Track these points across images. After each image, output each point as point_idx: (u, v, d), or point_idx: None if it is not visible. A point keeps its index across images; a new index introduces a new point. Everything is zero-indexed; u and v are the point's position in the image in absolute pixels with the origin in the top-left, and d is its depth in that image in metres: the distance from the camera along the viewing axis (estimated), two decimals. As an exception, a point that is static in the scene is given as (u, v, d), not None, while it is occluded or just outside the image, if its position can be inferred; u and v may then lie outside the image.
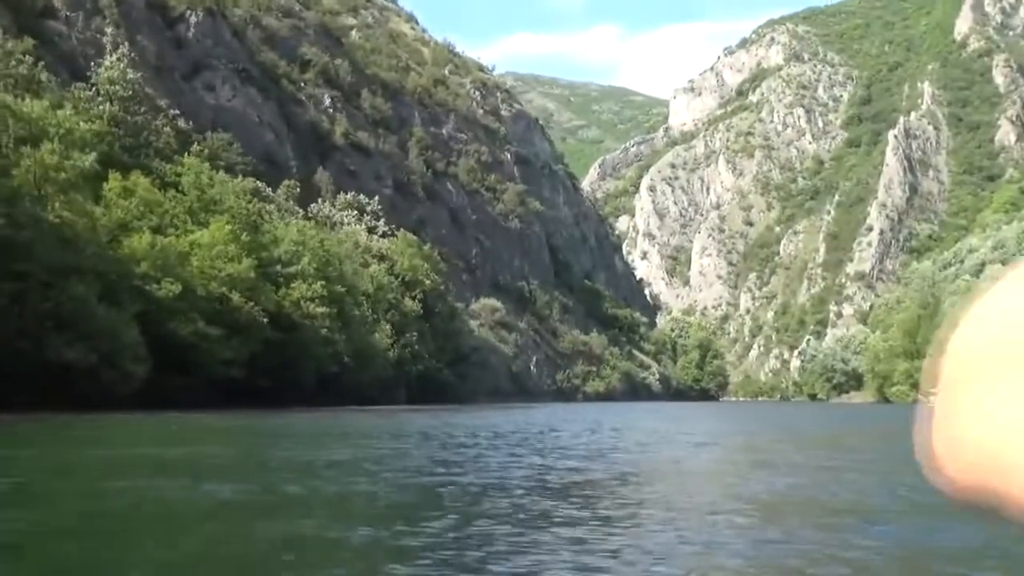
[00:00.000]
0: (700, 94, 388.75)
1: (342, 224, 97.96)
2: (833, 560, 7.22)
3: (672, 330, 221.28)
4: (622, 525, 8.91)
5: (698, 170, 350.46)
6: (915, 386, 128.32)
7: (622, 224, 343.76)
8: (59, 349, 39.81)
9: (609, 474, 14.67)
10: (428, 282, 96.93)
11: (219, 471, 15.15)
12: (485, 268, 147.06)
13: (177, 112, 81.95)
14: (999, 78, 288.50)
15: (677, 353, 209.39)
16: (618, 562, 6.92)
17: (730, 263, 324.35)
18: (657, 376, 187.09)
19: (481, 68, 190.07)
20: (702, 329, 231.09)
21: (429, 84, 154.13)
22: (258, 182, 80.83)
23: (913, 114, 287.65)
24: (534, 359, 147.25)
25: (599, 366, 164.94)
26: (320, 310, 64.18)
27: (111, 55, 72.87)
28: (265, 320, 56.78)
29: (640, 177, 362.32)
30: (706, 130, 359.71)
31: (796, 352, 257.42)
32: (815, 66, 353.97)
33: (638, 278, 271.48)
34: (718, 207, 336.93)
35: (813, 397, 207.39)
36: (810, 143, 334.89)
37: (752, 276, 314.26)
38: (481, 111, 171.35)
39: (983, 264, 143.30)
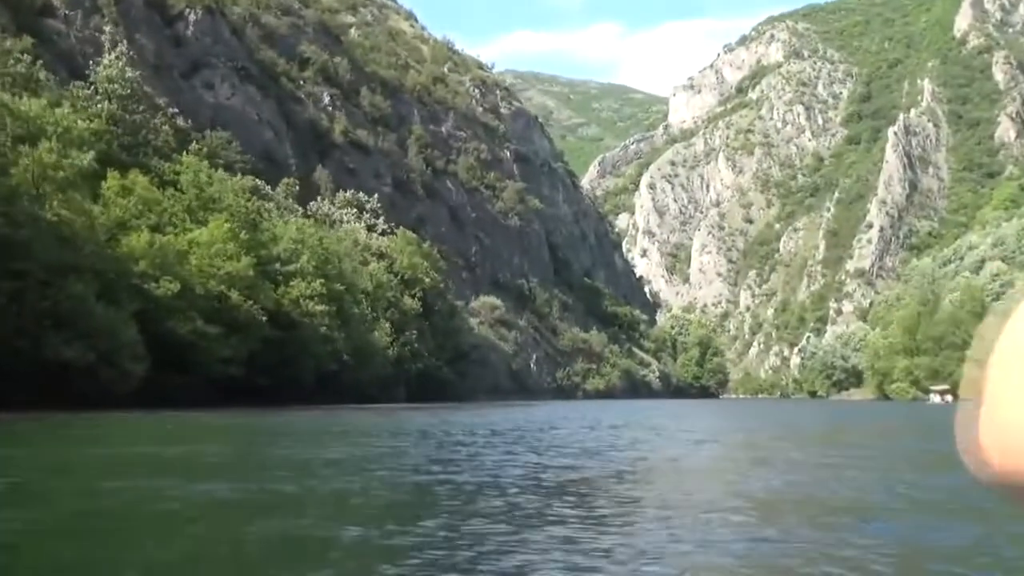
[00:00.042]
0: (700, 91, 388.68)
1: (341, 222, 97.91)
2: (828, 558, 7.18)
3: (672, 327, 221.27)
4: (615, 524, 8.87)
5: (698, 167, 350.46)
6: (915, 383, 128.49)
7: (622, 222, 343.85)
8: (57, 348, 39.75)
9: (605, 472, 14.63)
10: (427, 280, 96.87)
11: (216, 470, 15.11)
12: (485, 266, 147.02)
13: (176, 110, 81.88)
14: (999, 75, 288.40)
15: (677, 351, 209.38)
16: (609, 562, 6.87)
17: (730, 260, 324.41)
18: (657, 374, 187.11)
19: (480, 66, 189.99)
20: (702, 326, 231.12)
21: (428, 82, 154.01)
22: (257, 180, 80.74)
23: (913, 111, 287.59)
24: (534, 357, 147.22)
25: (599, 364, 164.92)
26: (319, 308, 64.11)
27: (110, 53, 72.82)
28: (264, 318, 56.74)
29: (640, 175, 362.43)
30: (706, 127, 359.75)
31: (796, 349, 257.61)
32: (815, 63, 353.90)
33: (638, 276, 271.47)
34: (718, 204, 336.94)
35: (813, 394, 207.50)
36: (810, 140, 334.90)
37: (752, 273, 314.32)
38: (480, 109, 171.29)
39: (983, 261, 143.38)
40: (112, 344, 42.50)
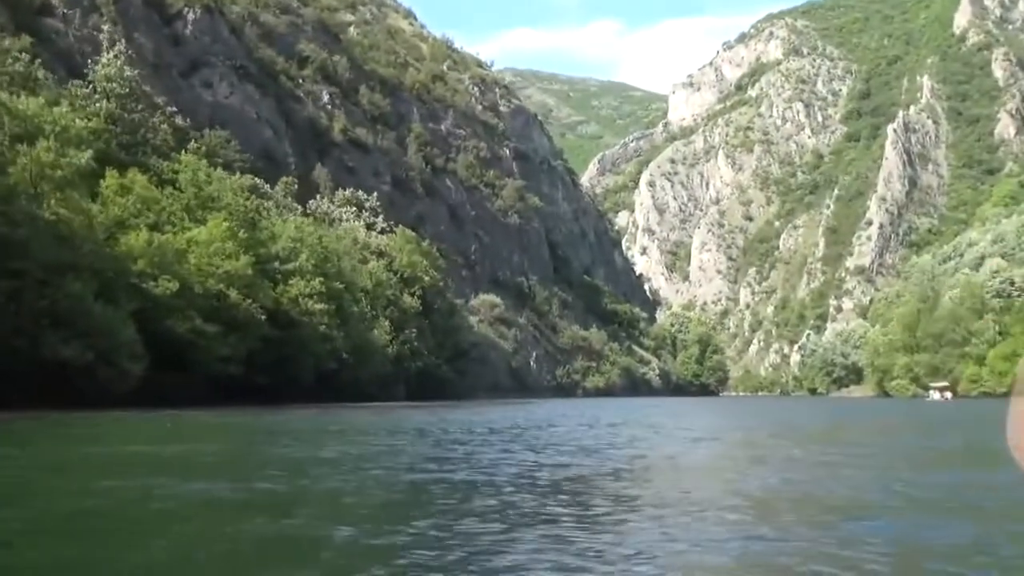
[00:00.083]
0: (699, 89, 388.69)
1: (340, 220, 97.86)
2: (823, 557, 7.13)
3: (672, 325, 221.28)
4: (610, 523, 8.82)
5: (697, 165, 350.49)
6: (915, 379, 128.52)
7: (621, 219, 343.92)
8: (55, 347, 39.68)
9: (601, 470, 14.58)
10: (427, 278, 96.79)
11: (212, 469, 15.09)
12: (484, 264, 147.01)
13: (174, 109, 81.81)
14: (998, 72, 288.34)
15: (677, 348, 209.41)
16: (601, 561, 6.83)
17: (730, 258, 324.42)
18: (657, 371, 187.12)
19: (480, 64, 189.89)
20: (702, 324, 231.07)
21: (428, 80, 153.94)
22: (256, 179, 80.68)
23: (912, 108, 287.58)
24: (533, 355, 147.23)
25: (599, 362, 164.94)
26: (318, 307, 64.03)
27: (108, 52, 72.74)
28: (263, 317, 56.67)
29: (639, 172, 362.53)
30: (705, 125, 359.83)
31: (796, 347, 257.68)
32: (814, 60, 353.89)
33: (638, 273, 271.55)
34: (717, 202, 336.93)
35: (813, 391, 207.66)
36: (809, 137, 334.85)
37: (752, 271, 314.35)
38: (480, 107, 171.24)
39: (983, 258, 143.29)
40: (110, 343, 42.44)
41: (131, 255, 48.73)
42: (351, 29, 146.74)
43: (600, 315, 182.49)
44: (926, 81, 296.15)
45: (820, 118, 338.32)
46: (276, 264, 64.40)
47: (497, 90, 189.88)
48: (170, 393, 45.43)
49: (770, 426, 35.55)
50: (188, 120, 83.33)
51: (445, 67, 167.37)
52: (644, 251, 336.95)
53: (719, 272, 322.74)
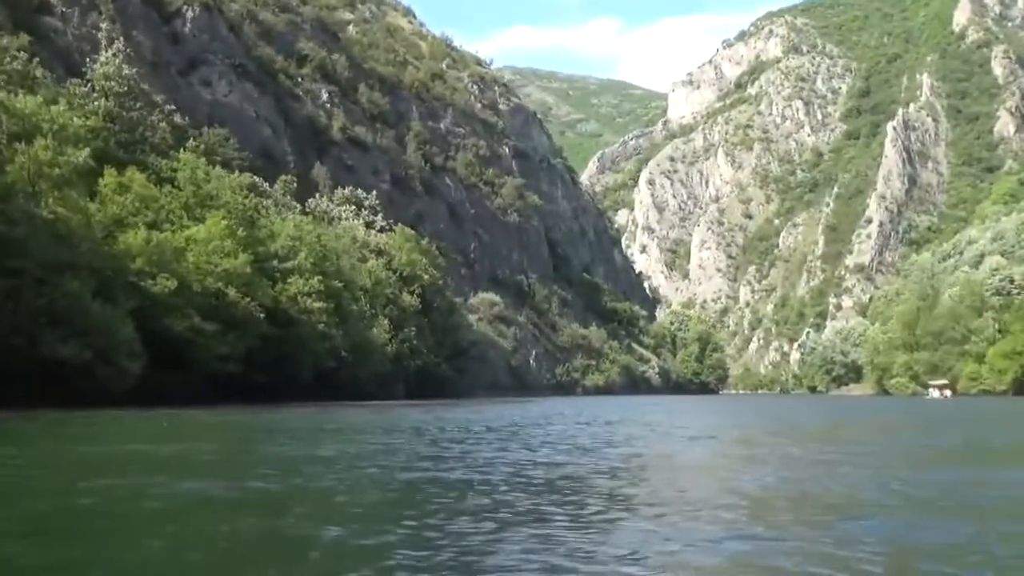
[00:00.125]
0: (699, 87, 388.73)
1: (340, 219, 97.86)
2: (817, 556, 7.09)
3: (671, 323, 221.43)
4: (601, 522, 8.77)
5: (697, 163, 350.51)
6: (914, 378, 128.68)
7: (621, 218, 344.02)
8: (53, 345, 39.67)
9: (596, 469, 14.53)
10: (426, 277, 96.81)
11: (208, 468, 15.05)
12: (483, 262, 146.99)
13: (173, 107, 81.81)
14: (998, 69, 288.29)
15: (676, 346, 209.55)
16: (591, 561, 6.78)
17: (729, 256, 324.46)
18: (657, 369, 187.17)
19: (479, 62, 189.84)
20: (701, 322, 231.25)
21: (427, 78, 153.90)
22: (255, 177, 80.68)
23: (912, 106, 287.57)
24: (533, 353, 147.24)
25: (598, 360, 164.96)
26: (317, 305, 64.01)
27: (107, 50, 72.67)
28: (262, 315, 56.68)
29: (639, 170, 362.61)
30: (705, 123, 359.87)
31: (796, 345, 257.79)
32: (814, 58, 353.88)
33: (637, 271, 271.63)
34: (717, 200, 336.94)
35: (813, 389, 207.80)
36: (809, 135, 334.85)
37: (751, 269, 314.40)
38: (479, 105, 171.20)
39: (982, 256, 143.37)
40: (109, 341, 42.43)
41: (129, 253, 48.72)
42: (350, 27, 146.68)
43: (600, 313, 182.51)
44: (926, 79, 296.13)
45: (820, 116, 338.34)
46: (275, 262, 64.39)
47: (496, 88, 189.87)
48: (168, 392, 45.43)
49: (768, 424, 35.50)
50: (187, 118, 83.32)
51: (444, 65, 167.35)
52: (644, 249, 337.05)
53: (719, 270, 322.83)
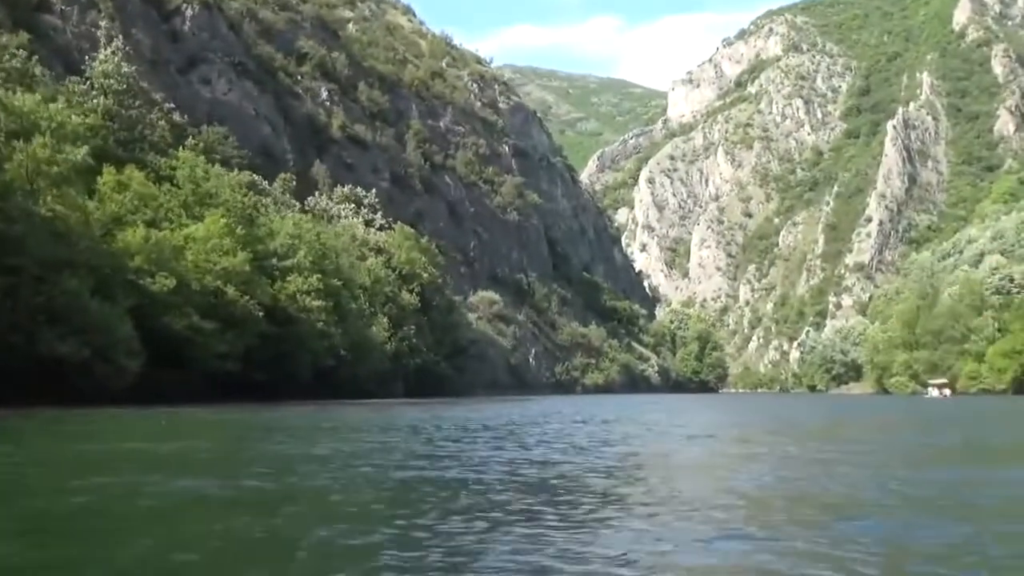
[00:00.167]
0: (699, 86, 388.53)
1: (339, 217, 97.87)
2: (813, 556, 7.04)
3: (671, 322, 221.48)
4: (594, 522, 8.70)
5: (697, 162, 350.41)
6: (914, 376, 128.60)
7: (621, 216, 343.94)
8: (52, 343, 39.67)
9: (591, 468, 14.47)
10: (426, 275, 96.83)
11: (205, 466, 15.02)
12: (483, 261, 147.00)
13: (172, 105, 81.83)
14: (998, 68, 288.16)
15: (676, 345, 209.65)
16: (582, 561, 6.73)
17: (729, 255, 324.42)
18: (656, 368, 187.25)
19: (479, 60, 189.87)
20: (701, 321, 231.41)
21: (426, 77, 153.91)
22: (254, 175, 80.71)
23: (912, 104, 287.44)
24: (532, 352, 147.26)
25: (598, 358, 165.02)
26: (316, 303, 64.03)
27: (106, 48, 72.69)
28: (260, 314, 56.69)
29: (639, 169, 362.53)
30: (705, 122, 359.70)
31: (795, 343, 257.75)
32: (814, 57, 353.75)
33: (637, 270, 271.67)
34: (717, 199, 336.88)
35: (812, 388, 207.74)
36: (809, 134, 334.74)
37: (751, 268, 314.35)
38: (479, 104, 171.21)
39: (982, 254, 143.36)
40: (107, 340, 42.44)
41: (128, 251, 48.73)
42: (350, 25, 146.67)
43: (599, 312, 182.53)
44: (925, 78, 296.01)
45: (820, 115, 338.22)
46: (274, 261, 64.42)
47: (496, 87, 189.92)
48: (167, 390, 45.42)
49: (767, 423, 35.45)
50: (186, 116, 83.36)
51: (444, 64, 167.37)
52: (643, 248, 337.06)
53: (718, 269, 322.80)
